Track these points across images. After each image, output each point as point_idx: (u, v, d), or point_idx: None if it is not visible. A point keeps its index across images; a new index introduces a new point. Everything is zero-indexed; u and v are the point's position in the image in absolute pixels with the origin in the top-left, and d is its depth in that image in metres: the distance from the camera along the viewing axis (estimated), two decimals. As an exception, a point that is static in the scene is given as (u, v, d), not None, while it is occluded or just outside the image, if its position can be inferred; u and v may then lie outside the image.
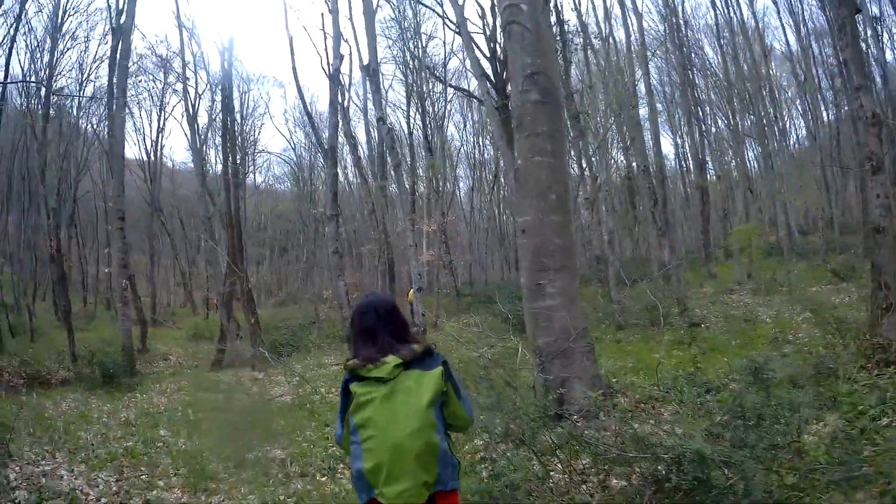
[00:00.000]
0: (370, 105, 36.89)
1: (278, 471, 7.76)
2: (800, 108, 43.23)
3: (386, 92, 39.01)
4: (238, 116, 46.22)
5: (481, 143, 50.90)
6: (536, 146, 8.46)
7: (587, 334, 8.59)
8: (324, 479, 7.47)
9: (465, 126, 49.64)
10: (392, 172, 21.26)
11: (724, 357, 10.81)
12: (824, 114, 37.24)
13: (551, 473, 5.84)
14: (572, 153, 24.01)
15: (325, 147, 21.90)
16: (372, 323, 3.59)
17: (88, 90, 38.40)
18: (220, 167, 29.99)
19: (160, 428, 10.87)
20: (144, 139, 65.13)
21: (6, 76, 26.21)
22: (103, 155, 37.96)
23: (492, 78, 22.16)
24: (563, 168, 9.18)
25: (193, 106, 32.26)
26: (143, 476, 8.03)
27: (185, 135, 50.34)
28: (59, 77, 35.11)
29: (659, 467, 4.95)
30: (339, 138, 27.55)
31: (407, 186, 23.12)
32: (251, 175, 56.90)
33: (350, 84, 37.67)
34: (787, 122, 42.36)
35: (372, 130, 37.81)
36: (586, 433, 5.67)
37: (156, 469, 8.31)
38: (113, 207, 20.27)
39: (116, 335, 20.35)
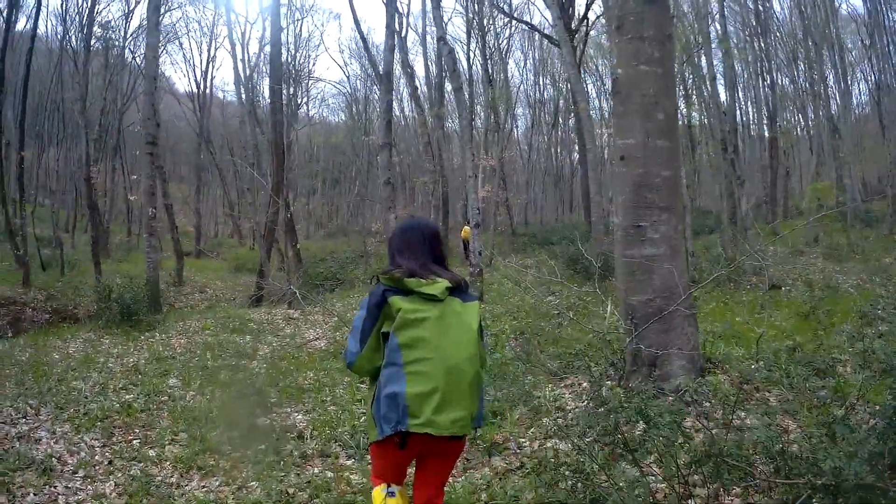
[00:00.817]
0: (429, 38, 35.23)
1: (294, 447, 6.14)
2: (862, 73, 41.82)
3: (445, 24, 36.78)
4: (291, 47, 45.36)
5: (541, 83, 49.81)
6: (642, 52, 6.42)
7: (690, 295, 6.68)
8: (349, 462, 5.84)
9: (524, 64, 47.72)
10: (452, 96, 19.66)
11: (817, 328, 8.96)
12: (889, 79, 35.54)
13: (648, 477, 4.20)
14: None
15: (381, 72, 20.42)
16: (417, 242, 3.39)
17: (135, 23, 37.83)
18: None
19: (170, 376, 9.37)
20: (194, 70, 64.97)
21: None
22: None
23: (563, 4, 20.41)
24: (673, 82, 7.12)
25: (243, 34, 30.93)
26: (135, 441, 6.61)
27: (233, 62, 48.94)
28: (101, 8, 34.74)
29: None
30: (396, 69, 25.92)
31: (467, 112, 21.09)
32: (304, 106, 56.44)
33: (408, 12, 36.17)
34: (851, 85, 39.80)
35: (430, 65, 36.07)
36: (690, 425, 4.64)
37: (151, 432, 6.86)
38: (142, 131, 18.70)
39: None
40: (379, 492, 3.29)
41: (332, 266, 23.52)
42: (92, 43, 29.02)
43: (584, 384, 6.75)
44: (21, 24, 29.42)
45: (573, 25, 31.47)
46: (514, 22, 40.08)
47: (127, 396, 8.18)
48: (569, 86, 35.27)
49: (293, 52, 48.06)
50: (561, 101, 48.30)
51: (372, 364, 3.18)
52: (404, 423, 2.96)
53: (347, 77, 78.21)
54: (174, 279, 23.99)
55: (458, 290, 3.27)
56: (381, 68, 20.92)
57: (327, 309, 14.50)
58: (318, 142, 64.23)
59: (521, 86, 50.34)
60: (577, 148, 41.47)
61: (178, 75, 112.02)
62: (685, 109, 34.92)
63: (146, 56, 19.97)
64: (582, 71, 35.28)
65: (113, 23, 37.51)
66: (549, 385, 7.15)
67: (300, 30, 48.83)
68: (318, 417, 7.00)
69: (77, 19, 34.71)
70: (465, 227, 30.18)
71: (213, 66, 45.70)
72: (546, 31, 37.47)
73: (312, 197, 64.15)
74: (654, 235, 6.32)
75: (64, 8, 34.58)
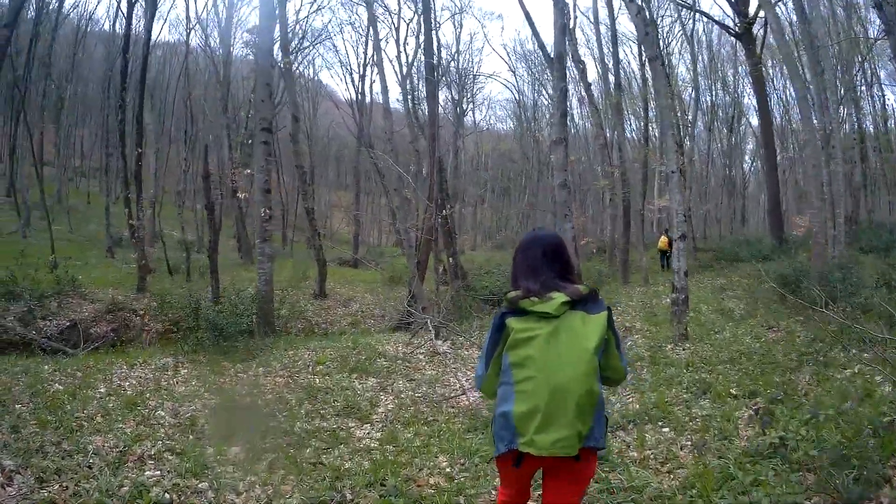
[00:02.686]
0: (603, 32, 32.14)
1: None
2: None
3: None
4: (451, 48, 44.28)
5: (713, 88, 46.62)
6: None
7: None
8: None
9: (694, 68, 43.61)
10: (647, 67, 16.35)
11: None
12: None
13: None
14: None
15: (552, 55, 17.44)
16: (538, 258, 3.35)
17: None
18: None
19: (235, 441, 6.43)
20: (351, 74, 64.52)
21: None
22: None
23: None
24: None
25: (398, 36, 29.40)
26: None
27: (393, 67, 48.38)
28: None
29: None
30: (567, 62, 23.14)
31: (666, 84, 17.71)
32: (470, 113, 55.87)
33: (575, 5, 33.80)
34: None
35: (604, 50, 32.25)
36: None
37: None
38: (256, 116, 16.47)
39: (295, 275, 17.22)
40: None
41: (499, 280, 21.49)
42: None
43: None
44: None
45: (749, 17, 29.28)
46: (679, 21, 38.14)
47: (148, 474, 5.38)
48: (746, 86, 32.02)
49: (454, 51, 46.95)
50: (731, 108, 46.78)
51: (494, 386, 3.23)
52: (515, 443, 3.02)
53: (514, 73, 77.14)
54: (316, 290, 22.23)
55: (582, 302, 3.16)
56: (551, 52, 17.86)
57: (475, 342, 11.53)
58: (486, 150, 63.23)
59: (691, 90, 46.61)
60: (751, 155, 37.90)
61: (336, 80, 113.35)
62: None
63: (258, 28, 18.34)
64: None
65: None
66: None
67: (460, 32, 47.51)
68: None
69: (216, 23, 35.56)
70: (663, 236, 29.78)
71: (371, 71, 43.89)
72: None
73: (481, 206, 63.05)
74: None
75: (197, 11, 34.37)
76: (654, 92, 13.99)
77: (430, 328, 13.32)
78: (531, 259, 3.34)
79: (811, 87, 20.26)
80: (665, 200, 29.74)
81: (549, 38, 34.83)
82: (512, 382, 3.06)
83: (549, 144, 27.44)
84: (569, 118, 20.94)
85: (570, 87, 30.30)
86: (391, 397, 8.73)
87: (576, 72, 27.28)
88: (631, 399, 8.02)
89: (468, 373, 10.18)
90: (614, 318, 3.27)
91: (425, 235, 18.85)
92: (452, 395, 8.94)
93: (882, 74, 32.27)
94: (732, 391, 7.46)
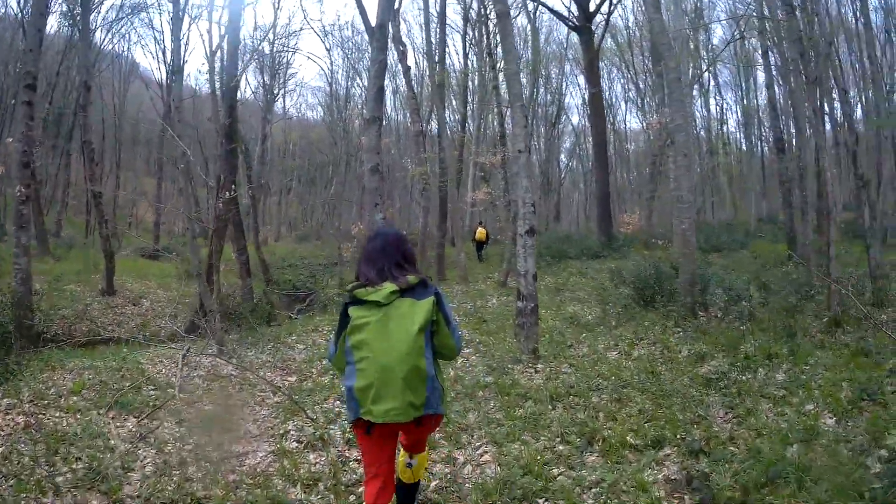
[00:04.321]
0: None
1: None
2: None
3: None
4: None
5: (537, 85, 47.08)
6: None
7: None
8: None
9: (535, 57, 43.88)
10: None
11: None
12: None
13: None
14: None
15: (373, 25, 15.52)
16: (377, 250, 3.85)
17: None
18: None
19: None
20: (164, 53, 61.28)
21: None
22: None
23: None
24: None
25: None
26: None
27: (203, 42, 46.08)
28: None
29: None
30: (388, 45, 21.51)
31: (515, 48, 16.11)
32: (281, 98, 55.18)
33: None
34: None
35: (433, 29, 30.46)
36: None
37: None
38: (21, 71, 13.62)
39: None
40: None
41: (303, 273, 21.60)
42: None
43: None
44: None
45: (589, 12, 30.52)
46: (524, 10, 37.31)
47: None
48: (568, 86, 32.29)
49: (262, 31, 46.32)
50: (553, 106, 49.20)
51: (342, 363, 3.76)
52: (359, 412, 3.57)
53: (329, 53, 76.36)
54: (104, 286, 19.70)
55: (411, 290, 3.66)
56: (373, 21, 15.85)
57: (272, 384, 8.48)
58: (294, 138, 61.29)
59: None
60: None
61: (148, 59, 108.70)
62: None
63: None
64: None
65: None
66: None
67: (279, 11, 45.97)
68: None
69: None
70: (479, 227, 30.90)
71: (185, 48, 41.24)
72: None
73: (286, 196, 61.12)
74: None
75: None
76: (504, 54, 12.21)
77: (212, 343, 10.61)
78: (372, 251, 3.87)
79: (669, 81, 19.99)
80: (482, 193, 28.75)
81: (373, 13, 33.08)
82: (353, 362, 3.61)
83: (362, 123, 25.51)
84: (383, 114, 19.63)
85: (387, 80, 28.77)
86: (153, 452, 6.07)
87: (395, 53, 25.36)
88: (485, 453, 5.83)
89: (260, 410, 7.58)
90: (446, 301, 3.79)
91: (215, 224, 16.36)
92: (235, 451, 6.25)
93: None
94: (629, 439, 5.57)
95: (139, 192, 51.72)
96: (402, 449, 4.19)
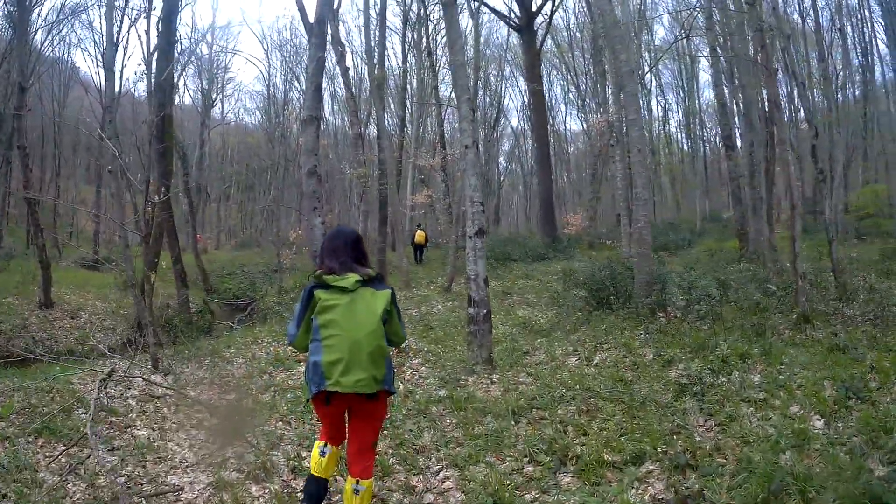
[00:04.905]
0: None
1: None
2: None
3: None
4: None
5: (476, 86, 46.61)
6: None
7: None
8: None
9: (476, 55, 43.61)
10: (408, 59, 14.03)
11: None
12: None
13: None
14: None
15: (311, 20, 15.24)
16: (339, 245, 4.36)
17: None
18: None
19: None
20: (103, 54, 60.18)
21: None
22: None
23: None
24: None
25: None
26: None
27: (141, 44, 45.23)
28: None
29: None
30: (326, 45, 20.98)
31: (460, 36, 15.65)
32: (219, 103, 55.07)
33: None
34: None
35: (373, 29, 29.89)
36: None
37: None
38: None
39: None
40: (316, 447, 4.49)
41: (243, 282, 21.93)
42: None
43: None
44: None
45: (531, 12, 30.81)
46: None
47: None
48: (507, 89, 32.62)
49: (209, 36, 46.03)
50: (492, 108, 49.64)
51: (305, 342, 4.21)
52: (324, 384, 3.97)
53: (268, 56, 76.40)
54: (41, 300, 18.67)
55: (371, 282, 4.23)
56: (311, 16, 15.19)
57: (206, 403, 7.58)
58: (233, 143, 60.49)
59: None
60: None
61: (87, 63, 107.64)
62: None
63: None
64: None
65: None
66: None
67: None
68: None
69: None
70: (418, 230, 30.62)
71: (125, 51, 40.80)
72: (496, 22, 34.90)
73: (225, 203, 60.00)
74: None
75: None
76: (449, 44, 11.72)
77: (146, 359, 9.76)
78: (334, 245, 4.36)
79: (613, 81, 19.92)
80: (422, 196, 28.38)
81: (312, 10, 32.64)
82: (320, 339, 4.04)
83: (300, 123, 24.90)
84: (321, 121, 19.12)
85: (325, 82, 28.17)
86: (84, 486, 5.30)
87: (334, 54, 24.70)
88: (446, 479, 5.36)
89: (197, 434, 6.72)
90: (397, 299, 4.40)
91: (145, 230, 15.54)
92: (170, 483, 5.45)
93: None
94: (605, 455, 5.13)
95: (78, 200, 50.49)
96: (349, 476, 4.25)
